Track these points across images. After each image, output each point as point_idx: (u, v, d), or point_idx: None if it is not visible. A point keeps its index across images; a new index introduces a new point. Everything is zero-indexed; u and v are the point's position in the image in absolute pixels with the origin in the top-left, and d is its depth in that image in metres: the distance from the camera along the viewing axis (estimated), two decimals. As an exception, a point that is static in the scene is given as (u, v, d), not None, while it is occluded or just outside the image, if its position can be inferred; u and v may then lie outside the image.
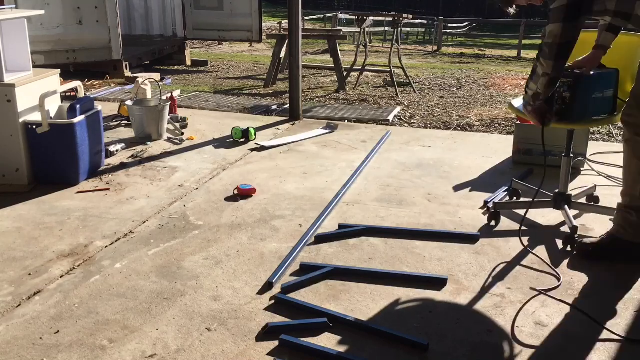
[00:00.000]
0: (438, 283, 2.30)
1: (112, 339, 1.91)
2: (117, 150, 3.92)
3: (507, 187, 3.24)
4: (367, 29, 10.28)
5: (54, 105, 3.46)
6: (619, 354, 1.89)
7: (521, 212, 3.02)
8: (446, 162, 3.87)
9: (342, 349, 1.88)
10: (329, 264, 2.43)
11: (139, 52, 8.35)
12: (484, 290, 2.26)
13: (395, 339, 1.93)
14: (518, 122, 4.23)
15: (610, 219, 2.64)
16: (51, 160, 3.26)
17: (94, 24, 7.09)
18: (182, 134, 4.38)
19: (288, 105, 5.27)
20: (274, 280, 2.26)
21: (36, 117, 3.24)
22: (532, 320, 2.06)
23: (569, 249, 2.62)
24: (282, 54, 7.60)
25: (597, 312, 2.12)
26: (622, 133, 2.69)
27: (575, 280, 2.35)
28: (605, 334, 1.99)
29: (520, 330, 2.01)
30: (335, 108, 5.81)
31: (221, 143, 4.24)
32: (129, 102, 4.34)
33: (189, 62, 9.36)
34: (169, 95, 4.97)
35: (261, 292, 2.21)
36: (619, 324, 2.05)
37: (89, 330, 1.96)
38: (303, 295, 2.19)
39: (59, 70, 3.59)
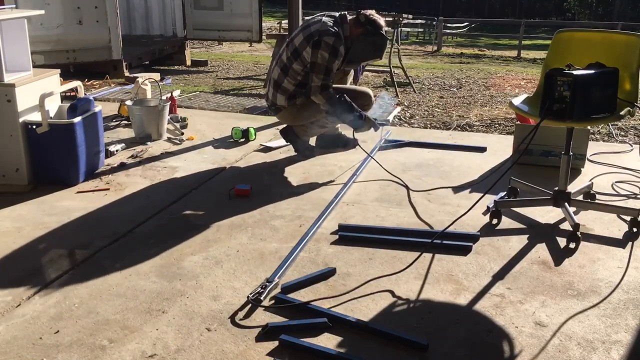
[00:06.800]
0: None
1: (112, 339, 1.91)
2: (117, 150, 3.92)
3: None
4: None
5: (53, 105, 3.46)
6: (620, 354, 1.89)
7: (521, 210, 3.03)
8: (446, 162, 3.87)
9: (342, 349, 1.88)
10: (328, 264, 2.43)
11: (139, 52, 8.35)
12: (484, 290, 2.26)
13: (395, 339, 1.93)
14: (518, 122, 4.24)
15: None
16: (51, 160, 3.26)
17: (94, 24, 7.09)
18: (182, 134, 4.38)
19: (288, 105, 5.26)
20: (274, 280, 2.26)
21: (36, 117, 3.24)
22: (532, 320, 2.06)
23: (571, 246, 2.63)
24: (282, 54, 7.59)
25: (597, 311, 2.12)
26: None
27: (575, 280, 2.35)
28: (604, 334, 1.99)
29: (520, 330, 2.01)
30: (335, 108, 5.80)
31: (221, 143, 4.24)
32: (129, 102, 4.34)
33: (189, 62, 9.36)
34: (169, 95, 4.96)
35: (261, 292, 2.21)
36: (618, 324, 2.05)
37: (88, 330, 1.96)
38: (303, 295, 2.19)
39: (59, 70, 3.58)
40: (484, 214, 2.98)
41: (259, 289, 2.19)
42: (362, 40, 3.53)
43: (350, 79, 4.03)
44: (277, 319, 2.04)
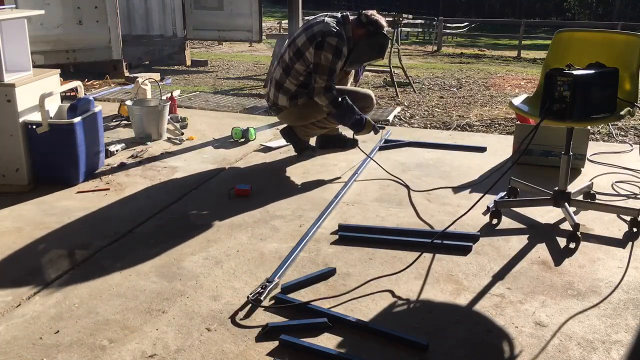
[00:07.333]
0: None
1: (112, 339, 1.91)
2: (117, 150, 3.92)
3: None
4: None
5: (53, 105, 3.46)
6: (620, 354, 1.89)
7: (521, 210, 3.03)
8: (446, 162, 3.87)
9: (342, 349, 1.88)
10: (328, 264, 2.43)
11: (139, 52, 8.36)
12: (484, 290, 2.26)
13: (395, 339, 1.93)
14: (518, 122, 4.24)
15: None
16: (51, 160, 3.26)
17: (94, 24, 7.10)
18: (182, 134, 4.38)
19: (288, 105, 5.25)
20: (274, 280, 2.26)
21: (36, 117, 3.24)
22: (532, 320, 2.06)
23: (571, 246, 2.62)
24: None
25: (597, 311, 2.12)
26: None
27: (575, 280, 2.35)
28: (604, 334, 1.99)
29: (520, 330, 2.01)
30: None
31: (221, 143, 4.24)
32: (129, 102, 4.34)
33: (189, 62, 9.36)
34: (169, 95, 4.96)
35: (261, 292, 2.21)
36: (618, 324, 2.05)
37: (88, 330, 1.96)
38: (303, 295, 2.19)
39: (59, 70, 3.58)
40: (484, 214, 2.98)
41: (259, 289, 2.19)
42: (364, 40, 3.53)
43: (351, 79, 4.03)
44: (277, 319, 2.04)
